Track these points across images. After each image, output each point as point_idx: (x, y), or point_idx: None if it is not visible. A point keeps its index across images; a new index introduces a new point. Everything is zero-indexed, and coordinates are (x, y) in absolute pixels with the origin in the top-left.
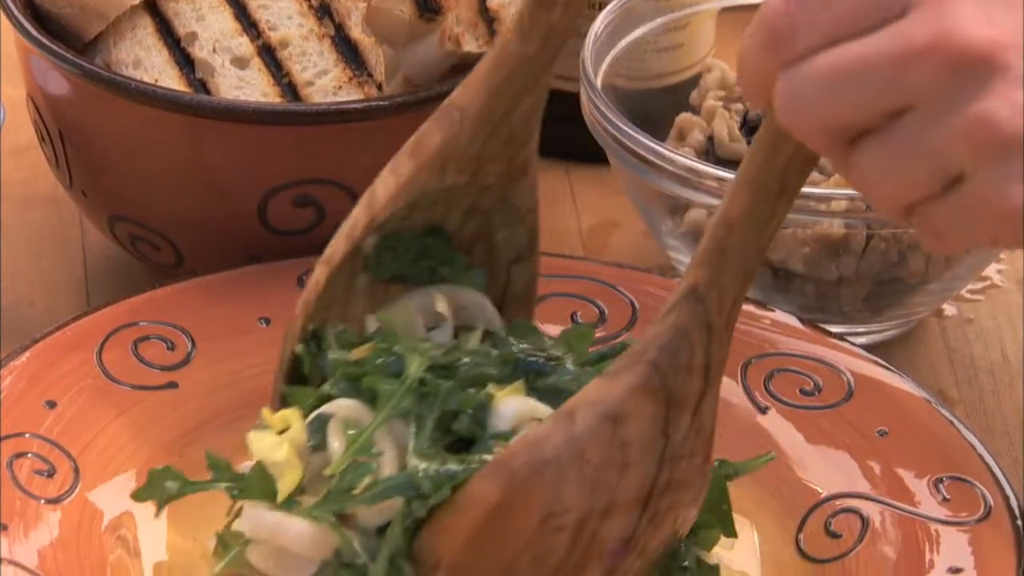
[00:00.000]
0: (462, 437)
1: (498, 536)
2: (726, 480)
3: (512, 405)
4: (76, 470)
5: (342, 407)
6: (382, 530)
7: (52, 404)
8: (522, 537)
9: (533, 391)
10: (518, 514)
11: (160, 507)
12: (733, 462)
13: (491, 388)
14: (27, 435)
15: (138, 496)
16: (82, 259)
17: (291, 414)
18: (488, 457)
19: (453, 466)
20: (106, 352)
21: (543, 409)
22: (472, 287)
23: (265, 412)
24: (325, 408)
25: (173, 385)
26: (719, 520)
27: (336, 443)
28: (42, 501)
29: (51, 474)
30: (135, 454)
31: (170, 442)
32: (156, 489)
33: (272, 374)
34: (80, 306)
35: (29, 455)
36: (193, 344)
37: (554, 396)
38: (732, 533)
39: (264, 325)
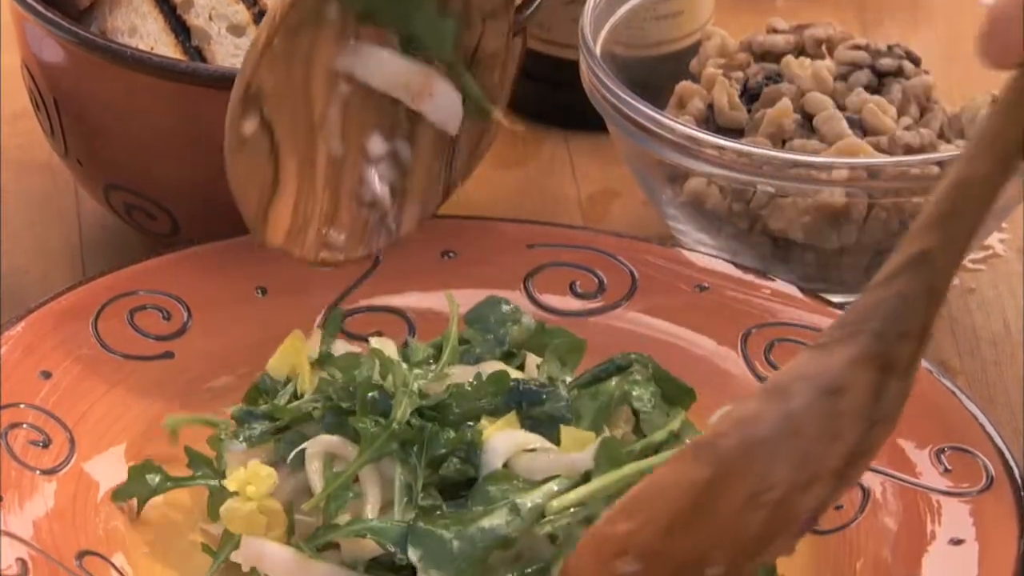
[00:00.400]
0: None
1: (700, 518)
2: None
3: (503, 440)
4: (71, 441)
5: (324, 443)
6: (372, 567)
7: (47, 374)
8: (724, 518)
9: (527, 419)
10: (725, 496)
11: (141, 505)
12: None
13: (484, 421)
14: (22, 405)
15: (118, 496)
16: (77, 228)
17: (253, 471)
18: (490, 519)
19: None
20: (102, 322)
21: (534, 439)
22: (444, 36)
23: (230, 479)
24: (308, 445)
25: (169, 355)
26: None
27: (316, 479)
28: (37, 472)
29: (46, 445)
30: (131, 425)
31: (166, 412)
32: (137, 486)
33: (270, 344)
34: (75, 276)
35: (24, 425)
36: (189, 314)
37: (548, 425)
38: None
39: (261, 295)
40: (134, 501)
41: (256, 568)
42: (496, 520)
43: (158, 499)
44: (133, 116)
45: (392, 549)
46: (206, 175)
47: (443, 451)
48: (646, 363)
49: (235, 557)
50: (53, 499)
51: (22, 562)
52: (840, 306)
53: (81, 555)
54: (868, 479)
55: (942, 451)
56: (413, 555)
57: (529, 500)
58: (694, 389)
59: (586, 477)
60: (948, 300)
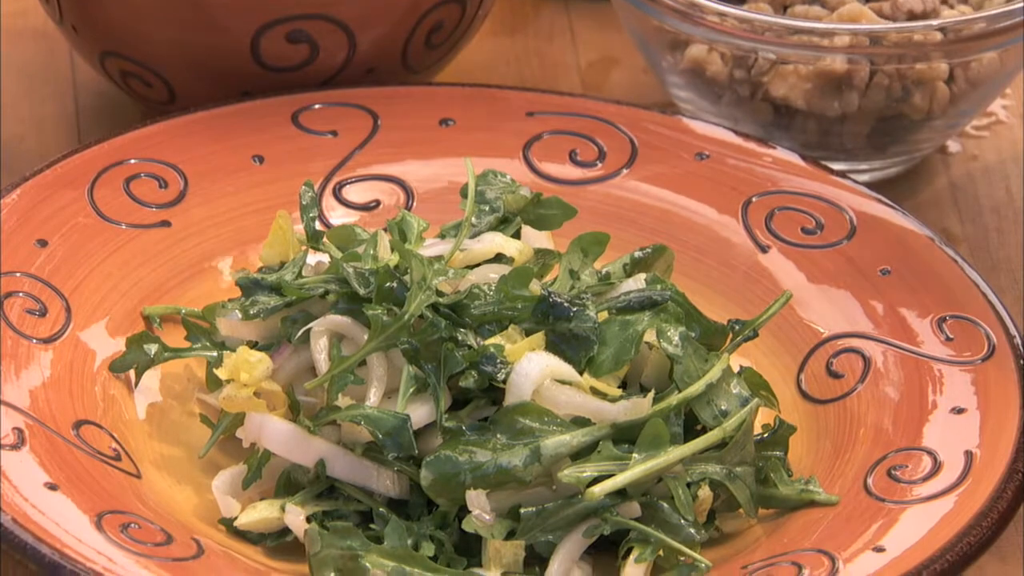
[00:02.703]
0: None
1: None
2: (746, 341)
3: (536, 365)
4: (68, 309)
5: (332, 323)
6: (371, 448)
7: (43, 243)
8: None
9: (551, 333)
10: None
11: (139, 375)
12: (751, 320)
13: (499, 338)
14: (18, 274)
15: (116, 366)
16: (73, 96)
17: (243, 357)
18: (509, 456)
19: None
20: (98, 190)
21: (567, 371)
22: None
23: (221, 369)
24: (316, 323)
25: (166, 223)
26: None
27: (322, 358)
28: (34, 341)
29: (43, 314)
30: (128, 294)
31: (163, 281)
32: (135, 356)
33: (267, 213)
34: (71, 143)
35: (20, 294)
36: (185, 182)
37: (573, 344)
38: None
39: (257, 163)
40: (132, 371)
41: (256, 443)
42: (514, 459)
43: (156, 369)
44: None
45: (383, 441)
46: (202, 42)
47: (462, 367)
48: (680, 300)
49: (239, 433)
50: (50, 368)
51: (19, 431)
52: (842, 174)
53: (78, 424)
54: (869, 348)
55: (944, 320)
56: (425, 478)
57: (553, 447)
58: (726, 327)
59: (613, 428)
60: (949, 167)
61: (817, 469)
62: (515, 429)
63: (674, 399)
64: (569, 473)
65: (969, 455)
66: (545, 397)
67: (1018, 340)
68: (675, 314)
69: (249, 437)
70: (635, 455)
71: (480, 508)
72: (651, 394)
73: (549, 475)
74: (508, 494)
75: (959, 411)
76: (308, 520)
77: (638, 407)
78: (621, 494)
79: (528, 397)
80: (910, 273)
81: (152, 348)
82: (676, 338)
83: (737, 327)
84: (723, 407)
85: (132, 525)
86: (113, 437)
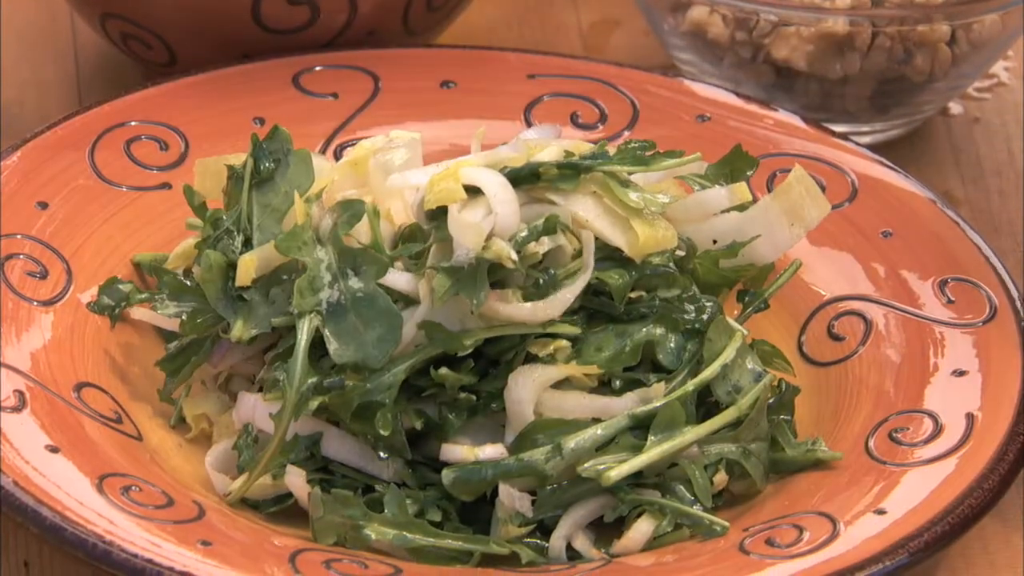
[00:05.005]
0: None
1: None
2: (757, 312)
3: (523, 382)
4: (69, 272)
5: None
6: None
7: (44, 205)
8: None
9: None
10: None
11: (113, 318)
12: (761, 291)
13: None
14: (19, 236)
15: (94, 307)
16: (73, 58)
17: None
18: (530, 452)
19: None
20: (98, 152)
21: (553, 373)
22: None
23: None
24: None
25: (167, 186)
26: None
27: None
28: (35, 303)
29: (44, 276)
30: (128, 256)
31: (164, 243)
32: (109, 296)
33: None
34: (72, 105)
35: (21, 256)
36: (186, 144)
37: None
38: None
39: (258, 125)
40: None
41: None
42: (536, 455)
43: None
44: None
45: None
46: (203, 4)
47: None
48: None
49: (233, 414)
50: (51, 331)
51: (20, 394)
52: (843, 136)
53: (79, 387)
54: (871, 311)
55: (945, 282)
56: (446, 477)
57: (573, 442)
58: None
59: (631, 418)
60: (951, 129)
61: (819, 432)
62: (538, 443)
63: (690, 385)
64: (589, 466)
65: (970, 417)
66: (550, 407)
67: (1019, 302)
68: (671, 323)
69: (242, 418)
70: (651, 437)
71: (521, 508)
72: (661, 384)
73: (571, 469)
74: (526, 481)
75: (960, 373)
76: (310, 483)
77: (648, 396)
78: (638, 477)
79: (531, 417)
80: (912, 235)
81: (127, 288)
82: (673, 346)
83: (747, 298)
84: (737, 382)
85: (133, 488)
86: (114, 399)
